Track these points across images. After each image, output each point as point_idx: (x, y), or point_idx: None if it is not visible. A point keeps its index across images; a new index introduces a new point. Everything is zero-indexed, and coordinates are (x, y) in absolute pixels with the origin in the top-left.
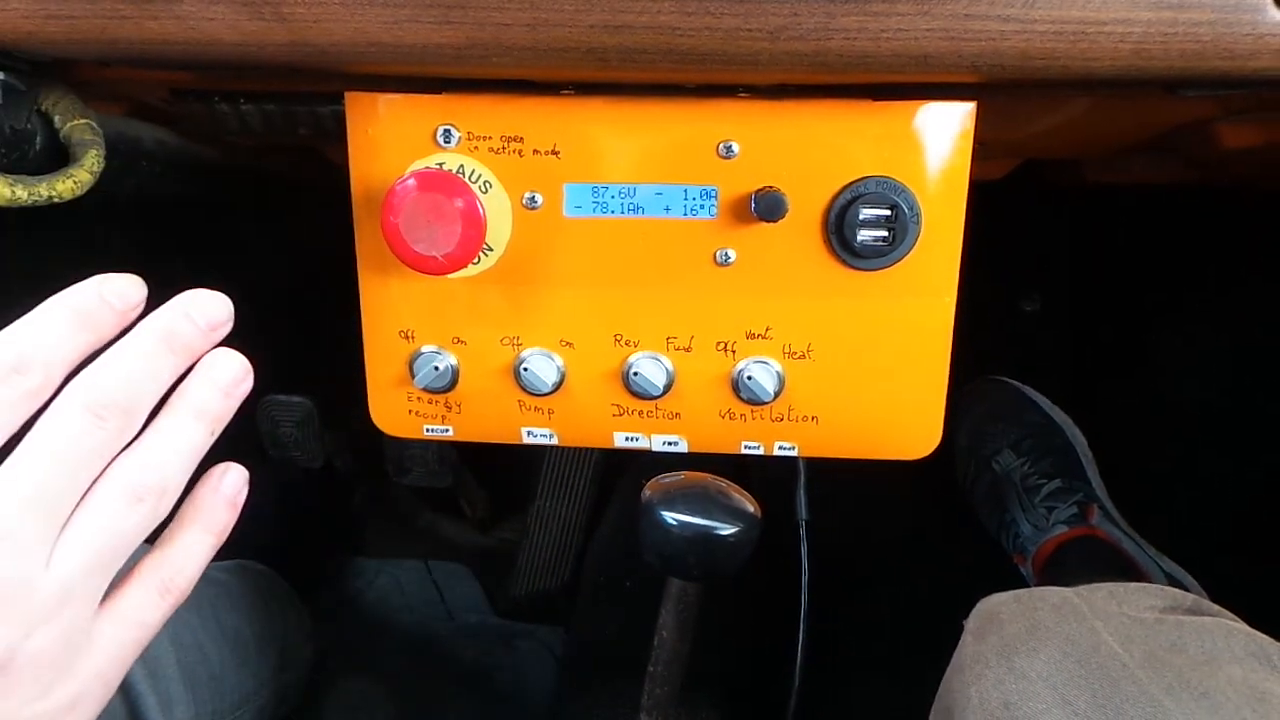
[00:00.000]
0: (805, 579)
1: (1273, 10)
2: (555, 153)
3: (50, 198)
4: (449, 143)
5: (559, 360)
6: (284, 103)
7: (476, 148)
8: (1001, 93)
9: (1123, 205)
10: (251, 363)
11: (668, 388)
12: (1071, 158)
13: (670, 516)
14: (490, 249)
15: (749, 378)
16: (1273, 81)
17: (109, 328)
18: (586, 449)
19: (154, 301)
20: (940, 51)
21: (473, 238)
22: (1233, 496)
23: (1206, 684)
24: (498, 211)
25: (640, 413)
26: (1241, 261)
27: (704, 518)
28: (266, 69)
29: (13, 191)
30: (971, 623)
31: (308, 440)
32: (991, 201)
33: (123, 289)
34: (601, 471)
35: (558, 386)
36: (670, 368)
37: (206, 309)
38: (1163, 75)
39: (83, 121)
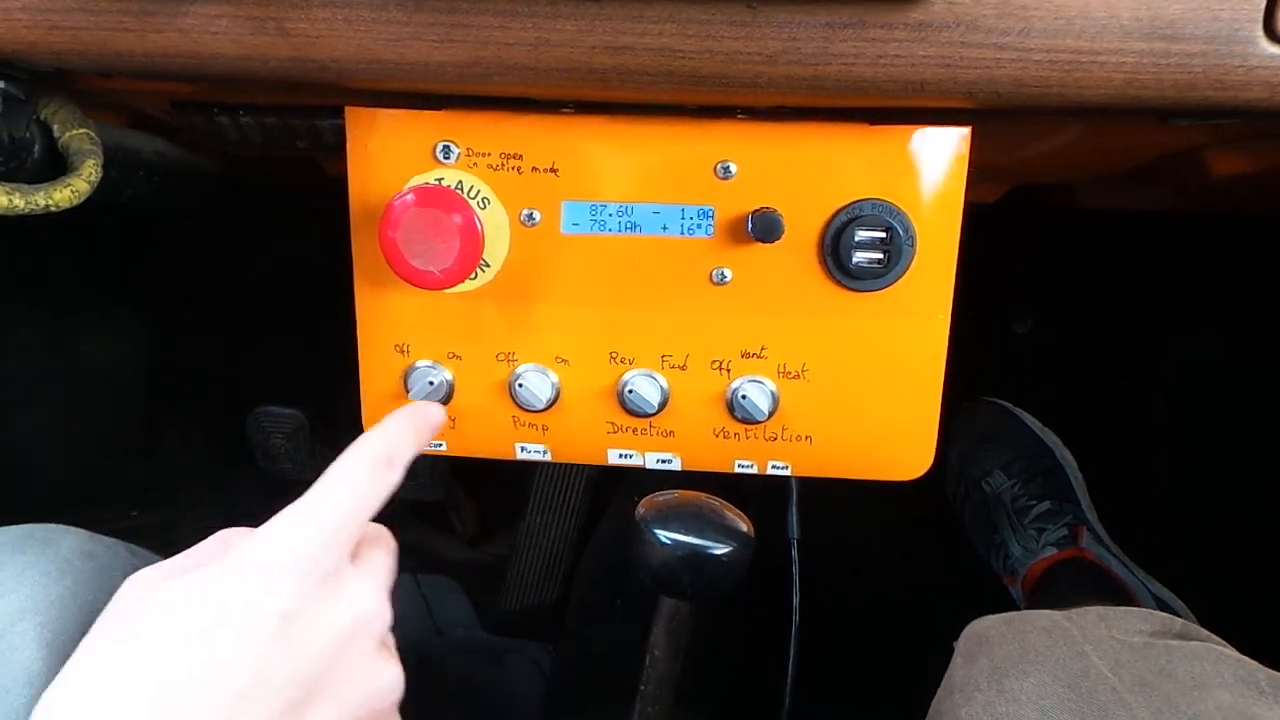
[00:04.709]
0: (796, 598)
1: (1264, 43)
2: (554, 170)
3: (47, 206)
4: (448, 159)
5: (554, 377)
6: (284, 116)
7: (475, 164)
8: (996, 118)
9: (1115, 229)
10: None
11: (662, 406)
12: (1064, 183)
13: (663, 535)
14: (487, 265)
15: (743, 397)
16: (1264, 112)
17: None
18: (579, 465)
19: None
20: (937, 78)
21: (470, 254)
22: (1223, 518)
23: (1195, 709)
24: (495, 228)
25: (634, 430)
26: (1233, 284)
27: (697, 537)
28: (267, 83)
29: (10, 200)
30: (961, 644)
31: (298, 452)
32: (985, 224)
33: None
34: (594, 487)
35: (552, 403)
36: (665, 386)
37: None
38: (1155, 104)
39: (81, 131)
